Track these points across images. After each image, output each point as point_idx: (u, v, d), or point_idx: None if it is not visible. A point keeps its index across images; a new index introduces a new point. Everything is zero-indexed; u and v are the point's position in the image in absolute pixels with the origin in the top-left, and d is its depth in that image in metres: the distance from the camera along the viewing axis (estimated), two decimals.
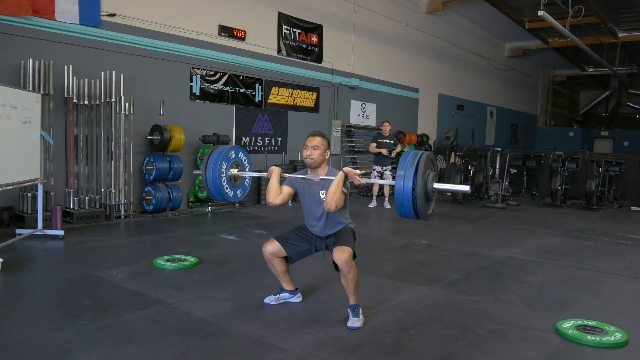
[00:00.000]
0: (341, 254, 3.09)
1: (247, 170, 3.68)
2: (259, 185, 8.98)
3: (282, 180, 3.36)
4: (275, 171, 3.33)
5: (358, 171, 3.15)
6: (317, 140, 3.25)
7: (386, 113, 12.52)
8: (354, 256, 3.16)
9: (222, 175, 3.43)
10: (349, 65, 11.34)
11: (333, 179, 3.12)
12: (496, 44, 17.72)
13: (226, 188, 3.47)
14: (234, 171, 3.53)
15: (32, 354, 2.72)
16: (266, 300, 3.56)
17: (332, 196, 3.08)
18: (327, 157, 3.29)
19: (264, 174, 3.51)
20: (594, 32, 14.51)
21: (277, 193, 3.26)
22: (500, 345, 3.03)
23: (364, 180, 3.12)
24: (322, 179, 3.25)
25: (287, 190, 3.32)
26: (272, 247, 3.37)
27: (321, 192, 3.26)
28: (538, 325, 3.35)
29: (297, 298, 3.61)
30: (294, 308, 3.52)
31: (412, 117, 13.74)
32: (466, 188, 2.95)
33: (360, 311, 3.25)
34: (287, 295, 3.57)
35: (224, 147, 3.56)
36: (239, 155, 3.63)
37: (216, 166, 3.40)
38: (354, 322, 3.19)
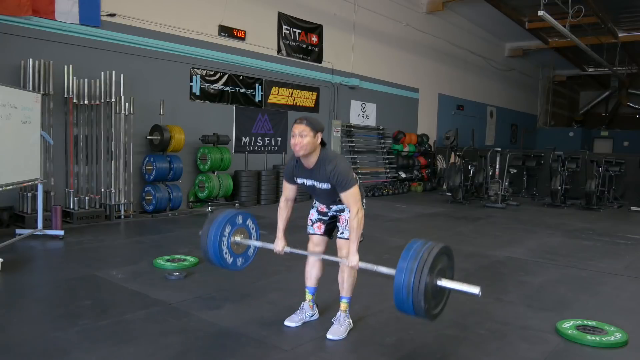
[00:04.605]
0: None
1: (253, 238, 3.41)
2: (259, 185, 8.99)
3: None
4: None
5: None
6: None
7: (386, 113, 12.54)
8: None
9: (224, 238, 3.20)
10: (349, 65, 11.34)
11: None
12: (496, 44, 17.72)
13: (225, 252, 3.23)
14: (237, 238, 3.29)
15: (32, 354, 2.71)
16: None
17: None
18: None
19: (269, 245, 3.25)
20: (594, 32, 14.50)
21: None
22: (500, 345, 3.03)
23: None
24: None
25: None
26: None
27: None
28: (538, 325, 3.35)
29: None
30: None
31: (412, 117, 13.74)
32: (476, 291, 2.57)
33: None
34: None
35: (230, 212, 3.31)
36: (247, 222, 3.38)
37: (219, 228, 3.18)
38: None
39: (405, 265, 2.58)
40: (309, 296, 3.32)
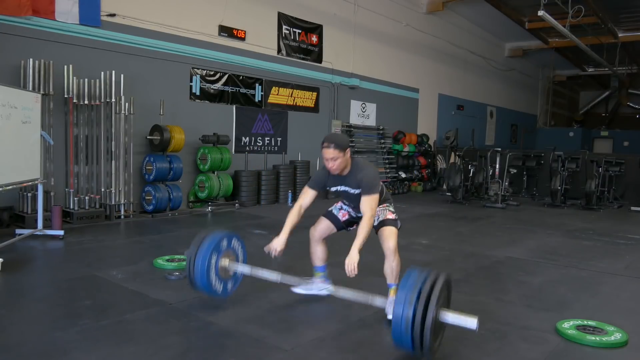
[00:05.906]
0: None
1: (240, 258, 3.45)
2: (259, 185, 8.98)
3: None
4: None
5: None
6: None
7: (386, 113, 12.54)
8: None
9: (212, 269, 3.20)
10: (349, 65, 11.34)
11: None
12: (496, 44, 17.72)
13: (214, 283, 3.26)
14: (225, 263, 3.30)
15: (32, 354, 2.72)
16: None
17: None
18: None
19: (260, 273, 3.32)
20: (594, 32, 14.50)
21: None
22: (500, 345, 3.03)
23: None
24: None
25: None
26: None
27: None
28: (538, 325, 3.35)
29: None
30: (294, 308, 3.52)
31: (412, 117, 13.74)
32: (473, 326, 2.55)
33: None
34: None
35: (215, 235, 3.24)
36: (232, 243, 3.38)
37: (204, 261, 3.16)
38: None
39: (404, 296, 2.50)
40: (318, 273, 3.50)
